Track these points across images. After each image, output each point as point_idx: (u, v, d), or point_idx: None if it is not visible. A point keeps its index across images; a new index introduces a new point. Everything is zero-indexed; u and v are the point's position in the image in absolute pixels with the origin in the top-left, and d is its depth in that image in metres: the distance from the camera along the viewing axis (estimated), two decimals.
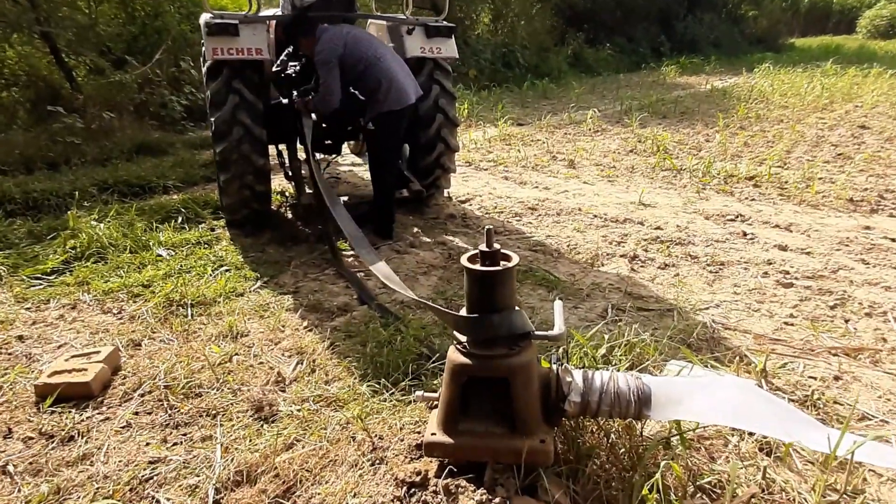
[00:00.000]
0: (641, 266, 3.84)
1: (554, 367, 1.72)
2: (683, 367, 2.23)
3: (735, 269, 3.72)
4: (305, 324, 3.07)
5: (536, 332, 1.67)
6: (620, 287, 3.50)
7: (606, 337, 2.54)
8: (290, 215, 4.93)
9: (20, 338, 3.06)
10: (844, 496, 1.76)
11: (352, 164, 6.58)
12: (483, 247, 1.61)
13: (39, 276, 3.74)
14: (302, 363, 2.69)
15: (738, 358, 2.63)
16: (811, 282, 3.49)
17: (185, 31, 9.53)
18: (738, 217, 4.68)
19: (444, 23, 4.58)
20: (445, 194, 5.23)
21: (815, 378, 2.49)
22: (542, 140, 7.80)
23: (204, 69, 4.19)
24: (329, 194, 3.60)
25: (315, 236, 4.31)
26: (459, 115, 9.43)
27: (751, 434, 2.00)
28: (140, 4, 9.94)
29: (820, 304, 3.22)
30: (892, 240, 4.14)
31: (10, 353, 2.93)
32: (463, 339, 1.69)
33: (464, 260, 1.64)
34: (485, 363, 1.62)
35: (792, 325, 3.02)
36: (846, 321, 3.03)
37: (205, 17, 4.03)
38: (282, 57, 4.53)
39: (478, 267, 1.60)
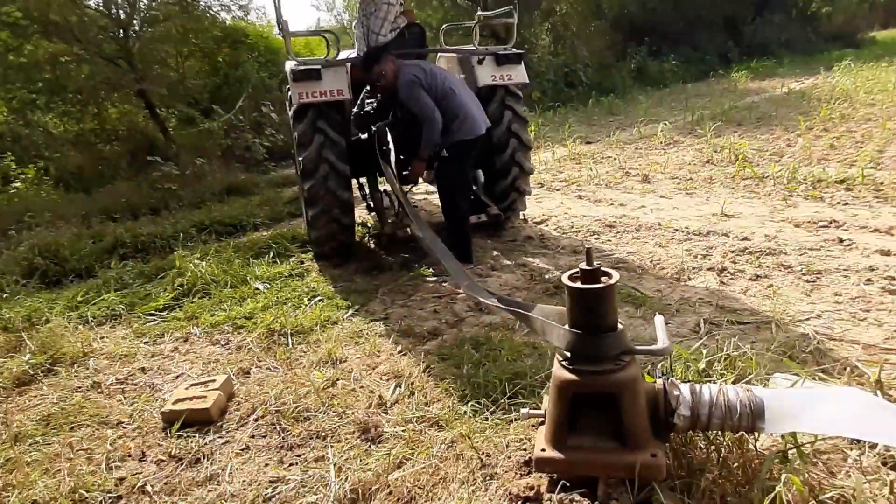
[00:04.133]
0: (731, 278, 3.74)
1: (660, 381, 1.73)
2: (792, 380, 2.17)
3: (834, 278, 3.56)
4: (399, 348, 3.18)
5: (640, 347, 1.70)
6: (711, 301, 3.42)
7: (704, 352, 2.51)
8: (372, 245, 5.13)
9: (142, 369, 3.35)
10: None
11: (426, 193, 6.76)
12: (584, 265, 1.66)
13: (153, 312, 4.07)
14: (401, 386, 2.80)
15: (848, 369, 2.52)
16: None
17: (263, 78, 10.17)
18: (831, 223, 4.47)
19: (514, 50, 4.70)
20: (521, 216, 5.29)
21: None
22: (612, 157, 7.74)
23: (290, 113, 4.48)
24: (418, 221, 3.75)
25: (398, 264, 4.47)
26: None
27: (872, 447, 1.92)
28: (222, 56, 10.73)
29: None
30: None
31: (135, 384, 3.21)
32: (567, 354, 1.73)
33: (565, 278, 1.70)
34: (592, 379, 1.66)
35: None
36: None
37: (290, 65, 4.33)
38: (361, 96, 4.77)
39: (580, 285, 1.65)
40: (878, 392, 2.33)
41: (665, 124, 9.03)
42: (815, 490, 1.74)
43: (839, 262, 3.75)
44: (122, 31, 9.14)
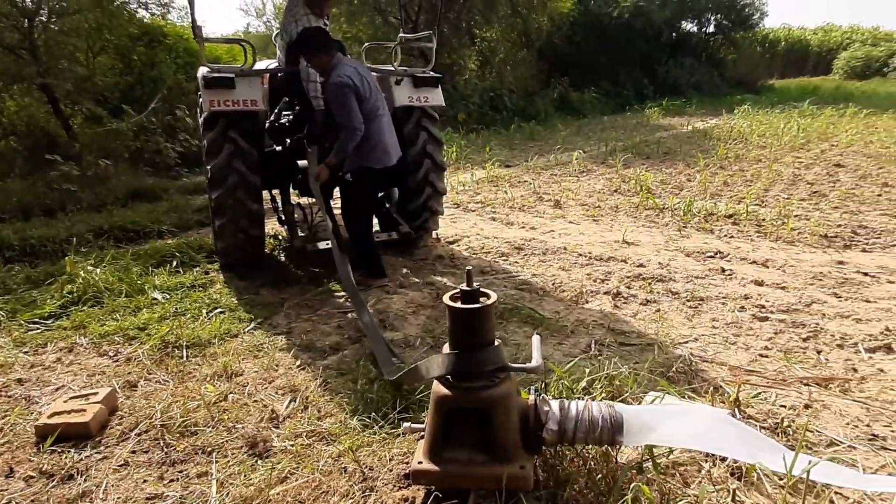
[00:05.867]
0: (624, 302, 3.97)
1: (532, 397, 1.83)
2: (658, 397, 2.35)
3: (713, 304, 3.86)
4: (298, 363, 3.16)
5: (514, 365, 1.80)
6: (604, 323, 3.62)
7: (588, 370, 2.66)
8: (283, 258, 5.06)
9: (19, 381, 3.13)
10: None
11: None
12: (464, 286, 1.74)
13: (37, 320, 3.82)
14: (295, 400, 2.78)
15: (713, 389, 2.74)
16: (785, 315, 3.63)
17: (180, 81, 9.83)
18: (717, 254, 4.85)
19: (432, 73, 4.83)
20: (434, 236, 5.39)
21: (785, 407, 2.61)
22: (528, 181, 8.03)
23: (201, 119, 4.38)
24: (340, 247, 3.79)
25: (307, 279, 4.43)
26: (448, 158, 9.76)
27: (723, 459, 2.11)
28: (137, 55, 10.29)
29: (793, 337, 3.35)
30: (864, 274, 4.31)
31: (9, 396, 3.00)
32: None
33: (446, 299, 1.77)
34: (467, 395, 1.73)
35: (766, 356, 3.14)
36: (818, 352, 3.16)
37: (202, 71, 4.24)
38: (279, 107, 4.72)
39: (459, 305, 1.73)
40: (736, 409, 2.56)
41: (580, 153, 9.48)
42: (667, 498, 1.89)
43: (719, 290, 4.07)
44: (26, 20, 8.59)
